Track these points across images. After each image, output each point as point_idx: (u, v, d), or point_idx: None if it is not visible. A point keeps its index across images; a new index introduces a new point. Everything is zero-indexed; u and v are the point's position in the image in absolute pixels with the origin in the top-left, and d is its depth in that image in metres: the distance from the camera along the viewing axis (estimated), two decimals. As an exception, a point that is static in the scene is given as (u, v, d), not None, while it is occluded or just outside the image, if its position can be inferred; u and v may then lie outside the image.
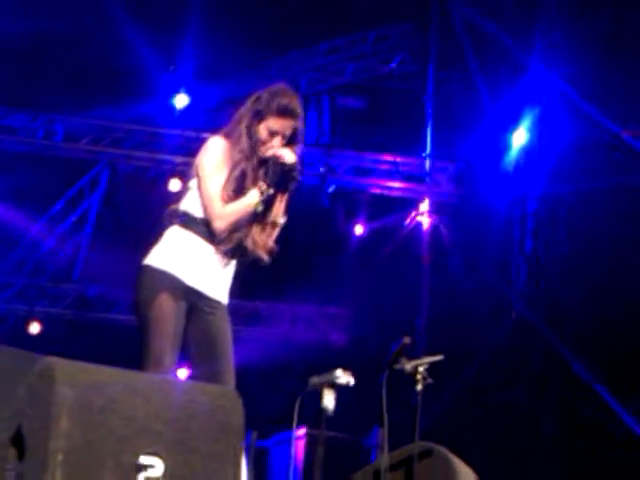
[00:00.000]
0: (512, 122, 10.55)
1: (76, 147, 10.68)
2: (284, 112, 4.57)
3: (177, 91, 10.62)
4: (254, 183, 4.59)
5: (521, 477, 9.12)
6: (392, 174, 11.31)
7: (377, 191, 11.36)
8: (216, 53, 10.23)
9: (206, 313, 4.70)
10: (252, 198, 4.57)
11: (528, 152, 10.49)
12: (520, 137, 10.49)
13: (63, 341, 10.36)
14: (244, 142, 4.61)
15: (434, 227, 10.89)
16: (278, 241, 4.77)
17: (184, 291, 4.61)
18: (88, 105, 10.25)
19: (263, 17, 10.33)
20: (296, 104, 4.63)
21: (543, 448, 9.67)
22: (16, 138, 10.51)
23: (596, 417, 9.47)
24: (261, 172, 4.62)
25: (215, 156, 4.62)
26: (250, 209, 4.58)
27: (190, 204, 4.69)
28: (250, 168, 4.60)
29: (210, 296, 4.69)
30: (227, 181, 4.58)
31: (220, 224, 4.58)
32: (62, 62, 9.57)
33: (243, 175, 4.60)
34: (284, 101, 4.59)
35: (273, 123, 4.58)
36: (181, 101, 10.65)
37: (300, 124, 4.65)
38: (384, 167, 11.33)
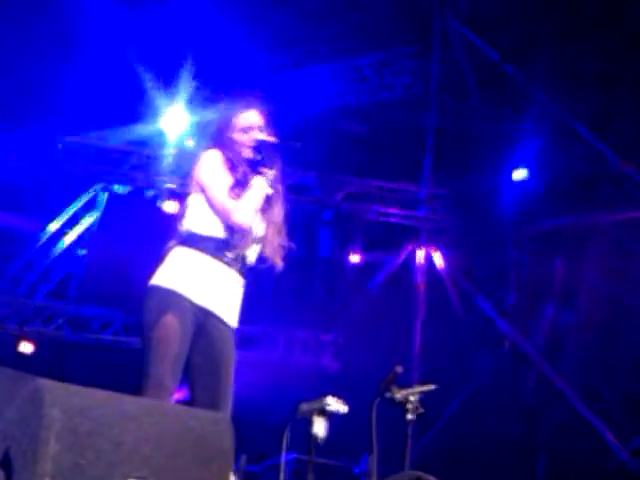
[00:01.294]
0: (513, 152, 10.56)
1: (74, 167, 10.68)
2: (245, 107, 4.88)
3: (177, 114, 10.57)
4: (253, 178, 4.76)
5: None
6: (389, 201, 11.30)
7: (374, 217, 11.35)
8: (214, 74, 10.25)
9: (213, 336, 4.69)
10: (259, 184, 4.68)
11: (527, 181, 10.49)
12: (520, 171, 10.51)
13: (55, 361, 10.33)
14: (231, 151, 4.77)
15: (429, 255, 10.87)
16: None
17: (192, 310, 4.61)
18: (87, 126, 10.26)
19: (263, 40, 10.37)
20: (248, 95, 4.97)
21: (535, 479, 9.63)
22: (14, 157, 10.51)
23: (590, 451, 9.43)
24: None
25: (214, 165, 4.73)
26: (261, 195, 4.69)
27: (192, 222, 4.73)
28: (249, 171, 4.72)
29: (219, 315, 4.69)
30: (232, 185, 4.68)
31: (239, 216, 4.65)
32: (61, 83, 9.58)
33: (245, 177, 4.71)
34: (239, 99, 4.93)
35: (242, 121, 4.83)
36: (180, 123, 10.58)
37: (264, 111, 4.91)
38: (382, 193, 11.32)
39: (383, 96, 11.37)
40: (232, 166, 4.76)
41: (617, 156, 9.82)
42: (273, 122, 4.93)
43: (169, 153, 10.56)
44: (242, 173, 4.75)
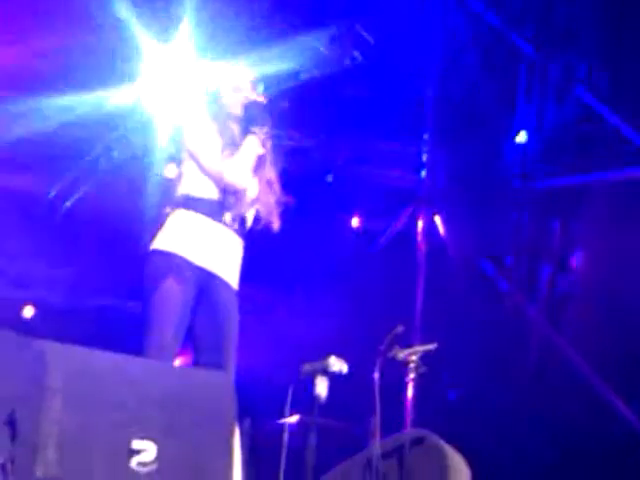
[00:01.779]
0: (513, 113, 10.50)
1: (72, 131, 10.62)
2: (232, 65, 5.02)
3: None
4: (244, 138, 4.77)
5: (515, 469, 9.13)
6: (390, 163, 11.26)
7: (374, 180, 11.32)
8: (216, 29, 10.09)
9: (215, 298, 4.69)
10: (251, 143, 4.68)
11: (529, 144, 10.45)
12: (521, 134, 10.46)
13: (57, 327, 10.36)
14: (218, 113, 4.75)
15: (430, 218, 10.86)
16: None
17: (193, 273, 4.61)
18: (84, 87, 10.14)
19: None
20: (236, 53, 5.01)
21: (538, 445, 9.64)
22: (13, 121, 10.46)
23: (595, 414, 9.42)
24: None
25: (201, 131, 4.71)
26: (253, 154, 4.68)
27: (189, 187, 4.74)
28: (237, 131, 4.74)
29: (221, 277, 4.70)
30: (222, 147, 4.68)
31: (232, 176, 4.66)
32: (54, 40, 9.45)
33: (232, 138, 4.71)
34: (222, 64, 5.08)
35: (230, 80, 4.85)
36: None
37: (246, 72, 4.92)
38: (382, 156, 11.27)
39: (381, 58, 11.23)
40: (221, 129, 4.75)
41: (617, 116, 9.78)
42: (261, 81, 4.93)
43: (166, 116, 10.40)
44: (231, 135, 4.75)
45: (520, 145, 10.43)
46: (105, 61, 9.54)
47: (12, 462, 3.40)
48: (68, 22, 9.00)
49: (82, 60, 9.35)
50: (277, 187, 4.89)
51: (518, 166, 10.50)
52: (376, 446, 4.51)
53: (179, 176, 4.84)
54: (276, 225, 4.86)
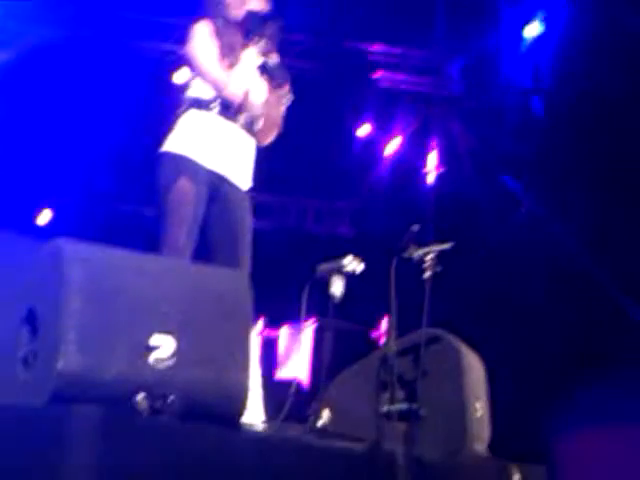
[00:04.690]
0: (528, 11, 10.27)
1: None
2: None
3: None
4: (244, 48, 4.71)
5: (530, 367, 9.18)
6: (401, 67, 11.09)
7: (384, 85, 11.16)
8: None
9: (228, 200, 4.70)
10: (250, 54, 4.64)
11: (542, 43, 10.22)
12: (534, 28, 10.20)
13: (73, 232, 10.37)
14: (219, 15, 4.69)
15: (444, 121, 10.76)
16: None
17: (204, 175, 4.63)
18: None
19: None
20: None
21: (554, 343, 9.68)
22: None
23: (610, 317, 9.42)
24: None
25: (202, 38, 4.67)
26: (253, 64, 4.64)
27: (197, 90, 4.71)
28: (236, 37, 4.69)
29: (231, 179, 4.70)
30: (220, 55, 4.63)
31: (231, 89, 4.62)
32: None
33: (231, 45, 4.67)
34: None
35: None
36: None
37: None
38: (392, 60, 11.09)
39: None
40: (222, 33, 4.69)
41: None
42: None
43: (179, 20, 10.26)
44: (228, 43, 4.69)
45: (535, 45, 10.18)
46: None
47: (34, 356, 3.44)
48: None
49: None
50: (283, 91, 4.85)
51: (534, 68, 10.28)
52: (392, 344, 4.54)
53: (188, 80, 4.81)
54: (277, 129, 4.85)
